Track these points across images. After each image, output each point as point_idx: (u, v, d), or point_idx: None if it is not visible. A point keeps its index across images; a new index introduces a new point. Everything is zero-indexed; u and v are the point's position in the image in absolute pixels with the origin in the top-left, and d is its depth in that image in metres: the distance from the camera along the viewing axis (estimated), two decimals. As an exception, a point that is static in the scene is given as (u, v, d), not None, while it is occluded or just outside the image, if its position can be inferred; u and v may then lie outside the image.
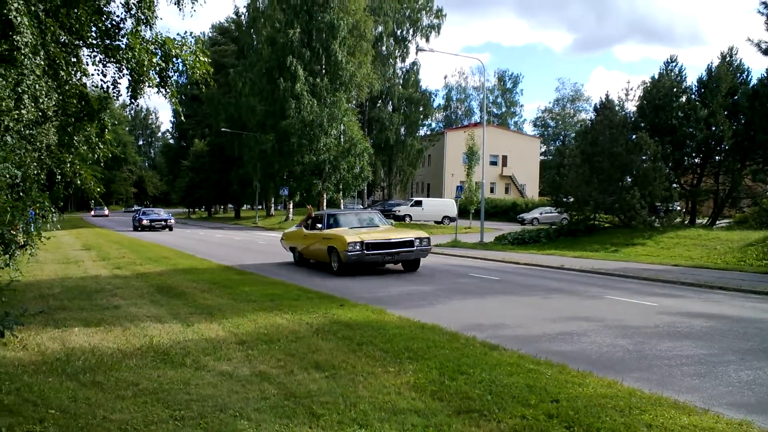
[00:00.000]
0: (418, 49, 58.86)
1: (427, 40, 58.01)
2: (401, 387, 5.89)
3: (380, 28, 55.05)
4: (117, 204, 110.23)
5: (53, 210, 10.08)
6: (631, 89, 48.55)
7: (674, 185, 28.86)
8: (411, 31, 58.10)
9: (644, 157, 26.89)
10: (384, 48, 56.84)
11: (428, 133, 70.99)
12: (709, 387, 6.31)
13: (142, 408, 5.30)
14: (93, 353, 7.15)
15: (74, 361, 6.77)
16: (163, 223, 43.12)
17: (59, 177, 10.09)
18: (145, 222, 42.68)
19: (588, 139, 28.60)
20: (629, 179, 27.29)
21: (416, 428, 4.83)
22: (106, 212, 75.96)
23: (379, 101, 59.04)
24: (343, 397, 5.56)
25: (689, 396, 5.83)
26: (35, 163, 9.43)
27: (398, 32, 57.90)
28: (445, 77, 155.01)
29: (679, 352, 7.87)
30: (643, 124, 29.31)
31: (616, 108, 29.67)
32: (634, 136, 27.98)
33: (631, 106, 30.68)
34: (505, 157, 70.20)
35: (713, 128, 28.25)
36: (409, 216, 44.52)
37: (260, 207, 65.85)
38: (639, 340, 8.53)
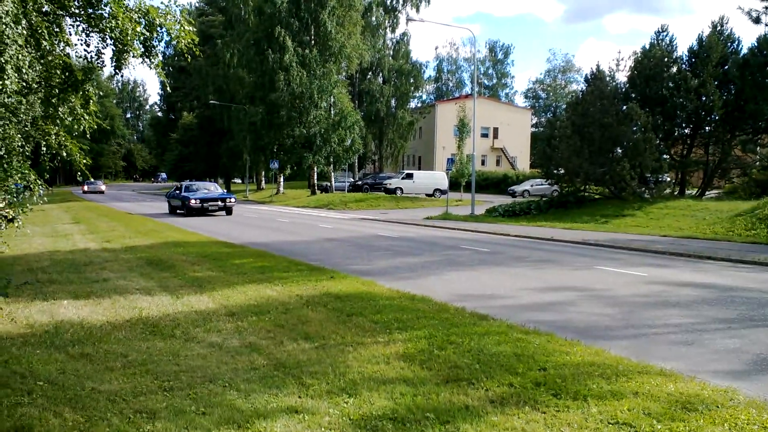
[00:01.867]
0: (408, 20, 58.10)
1: (417, 10, 57.29)
2: (390, 357, 5.91)
3: (370, -2, 54.38)
4: (107, 177, 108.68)
5: (39, 183, 9.97)
6: (622, 59, 48.54)
7: (664, 156, 28.96)
8: (401, 1, 57.37)
9: (635, 128, 26.90)
10: (374, 18, 56.09)
11: (419, 105, 70.57)
12: (695, 355, 6.37)
13: (131, 379, 5.30)
14: (82, 325, 7.13)
15: (63, 334, 6.75)
16: (219, 203, 29.70)
17: (44, 149, 9.96)
18: (194, 203, 29.02)
19: (579, 110, 28.54)
20: (619, 150, 27.34)
21: (405, 397, 4.85)
22: (102, 187, 63.99)
23: (369, 73, 58.49)
24: (333, 367, 5.58)
25: (676, 364, 5.88)
26: (19, 135, 9.29)
27: (388, 2, 57.12)
28: (435, 48, 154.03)
29: (667, 320, 7.94)
30: (633, 95, 29.25)
31: (607, 79, 29.57)
32: (624, 107, 27.95)
33: (622, 77, 30.64)
34: (496, 129, 70.00)
35: (703, 98, 28.23)
36: (400, 189, 44.44)
37: (251, 180, 65.52)
38: (627, 310, 8.59)
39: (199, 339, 6.61)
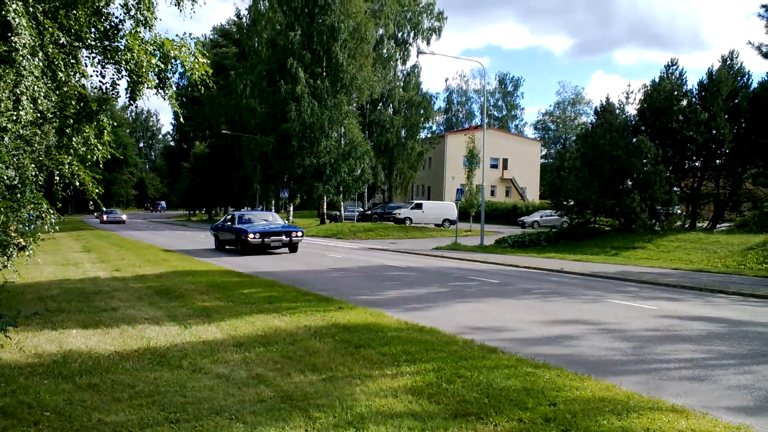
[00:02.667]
0: (419, 52, 58.68)
1: (428, 43, 58.02)
2: (398, 390, 5.87)
3: (381, 31, 55.02)
4: (119, 206, 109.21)
5: (51, 212, 10.06)
6: (632, 92, 48.35)
7: (675, 189, 28.85)
8: (412, 34, 58.04)
9: (645, 161, 26.89)
10: (385, 51, 56.79)
11: (429, 135, 70.95)
12: (707, 390, 6.28)
13: (138, 410, 5.28)
14: (90, 355, 7.13)
15: (71, 363, 6.75)
16: (284, 238, 23.89)
17: (57, 178, 10.07)
18: (253, 238, 23.12)
19: (588, 142, 28.59)
20: (630, 183, 27.29)
21: (413, 431, 4.80)
22: (123, 216, 59.55)
23: (380, 104, 58.97)
24: (340, 400, 5.54)
25: (687, 399, 5.80)
26: (33, 165, 9.41)
27: (399, 35, 57.84)
28: (446, 80, 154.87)
29: (678, 355, 7.85)
30: (643, 128, 29.28)
31: (617, 111, 29.65)
32: (634, 140, 27.98)
33: (632, 110, 30.66)
34: (505, 160, 70.19)
35: (714, 132, 28.23)
36: (410, 219, 44.48)
37: (260, 209, 65.80)
38: (638, 344, 8.50)
39: (206, 370, 6.59)
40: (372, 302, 11.74)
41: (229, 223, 25.72)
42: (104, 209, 66.63)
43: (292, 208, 53.93)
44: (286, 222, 27.69)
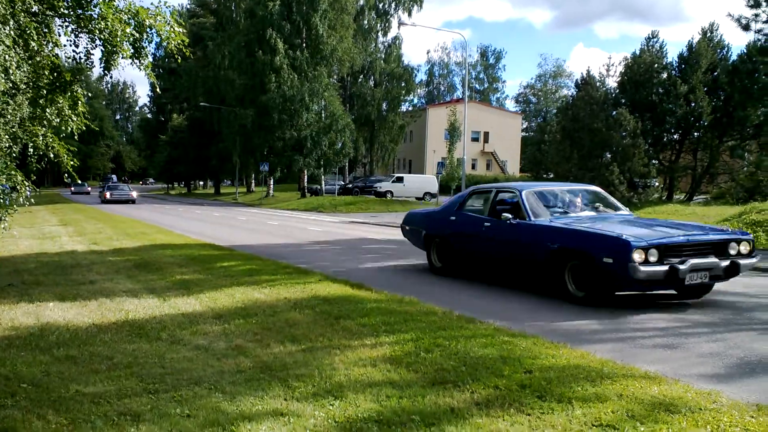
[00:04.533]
0: (400, 23, 58.28)
1: (409, 14, 57.53)
2: (377, 359, 5.91)
3: (362, 2, 54.42)
4: (95, 179, 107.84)
5: (27, 184, 9.91)
6: (612, 65, 48.82)
7: (653, 161, 29.19)
8: (393, 5, 57.46)
9: (624, 134, 27.10)
10: (365, 22, 56.22)
11: (410, 108, 70.70)
12: (679, 358, 6.41)
13: (116, 381, 5.27)
14: (67, 328, 7.09)
15: (48, 336, 6.70)
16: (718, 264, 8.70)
17: (32, 150, 9.91)
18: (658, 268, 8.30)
19: (569, 115, 28.74)
20: (609, 155, 27.53)
21: (391, 399, 4.85)
22: (133, 194, 51.35)
23: (361, 76, 58.58)
24: (319, 370, 5.57)
25: (660, 367, 5.92)
26: (7, 136, 9.24)
27: (380, 5, 57.23)
28: (427, 52, 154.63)
29: (652, 324, 7.99)
30: (623, 100, 29.48)
31: (597, 84, 29.77)
32: (614, 113, 28.16)
33: (612, 82, 30.85)
34: (486, 134, 70.28)
35: (693, 104, 28.51)
36: (391, 192, 44.53)
37: (240, 183, 65.38)
38: (613, 313, 8.63)
39: (185, 341, 6.59)
40: (351, 275, 11.76)
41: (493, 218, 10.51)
42: (109, 183, 65.41)
43: (272, 182, 53.67)
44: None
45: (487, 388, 5.10)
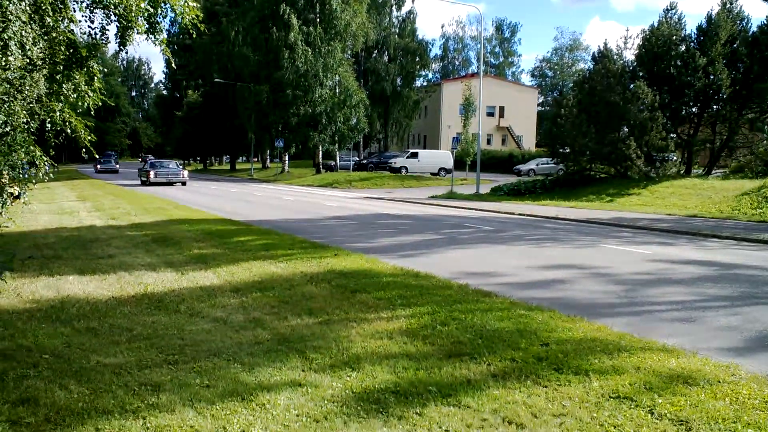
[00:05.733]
0: (414, -3, 57.55)
1: (424, -13, 56.77)
2: (393, 332, 5.94)
3: (375, -25, 53.80)
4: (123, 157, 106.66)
5: (45, 159, 9.99)
6: (630, 38, 48.02)
7: (671, 135, 28.73)
8: (407, -22, 56.80)
9: (641, 107, 26.70)
10: (380, -5, 55.62)
11: (425, 84, 70.05)
12: (697, 331, 6.38)
13: (137, 353, 5.35)
14: (87, 301, 7.19)
15: (68, 308, 6.80)
16: None
17: (49, 126, 9.96)
18: None
19: (585, 89, 28.35)
20: (626, 129, 27.16)
21: (408, 371, 4.88)
22: (185, 173, 39.05)
23: (375, 51, 58.07)
24: (336, 342, 5.62)
25: (678, 340, 5.90)
26: (25, 112, 9.29)
27: (394, -21, 56.60)
28: (442, 26, 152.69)
29: (669, 298, 7.95)
30: (641, 73, 29.00)
31: (615, 57, 29.31)
32: (631, 86, 27.74)
33: (630, 55, 30.40)
34: (502, 108, 69.56)
35: (712, 77, 27.97)
36: (405, 168, 44.33)
37: (255, 159, 65.41)
38: (630, 287, 8.60)
39: (203, 314, 6.66)
40: (367, 249, 11.80)
41: None
42: (149, 158, 61.71)
43: (287, 158, 53.66)
44: None
45: (504, 361, 5.12)
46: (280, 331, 5.99)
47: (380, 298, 7.33)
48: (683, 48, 29.04)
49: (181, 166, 42.32)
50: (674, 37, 28.84)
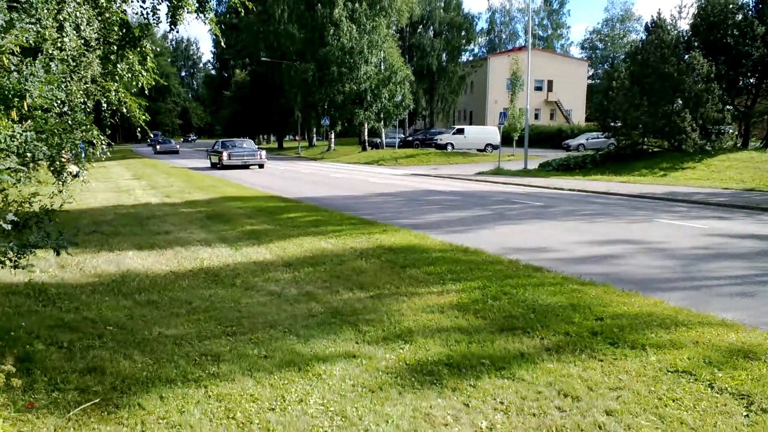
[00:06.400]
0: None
1: (470, -40, 55.84)
2: (444, 306, 5.97)
3: (421, -51, 53.12)
4: (166, 134, 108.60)
5: (102, 138, 10.26)
6: (685, 7, 46.31)
7: (727, 107, 27.73)
8: (452, -49, 55.94)
9: (696, 78, 25.81)
10: (425, -31, 54.98)
11: (471, 58, 69.26)
12: (757, 306, 6.23)
13: (196, 324, 5.51)
14: (147, 275, 7.42)
15: (129, 282, 7.04)
16: None
17: (105, 105, 10.22)
18: None
19: (638, 60, 27.54)
20: (680, 101, 26.32)
21: (460, 344, 4.91)
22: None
23: (420, 26, 57.56)
24: (388, 315, 5.68)
25: (736, 314, 5.77)
26: (81, 92, 9.55)
27: (439, -48, 55.83)
28: None
29: (727, 272, 7.76)
30: (696, 44, 27.98)
31: (668, 27, 28.31)
32: (686, 56, 26.82)
33: (684, 25, 29.26)
34: (550, 82, 68.20)
35: (771, 46, 26.81)
36: (451, 144, 44.00)
37: (302, 137, 65.93)
38: (687, 262, 8.42)
39: (258, 288, 6.80)
40: (415, 225, 11.82)
41: None
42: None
43: (333, 136, 53.89)
44: None
45: (558, 335, 5.10)
46: (332, 305, 6.08)
47: (430, 273, 7.36)
48: (740, 16, 27.87)
49: (257, 146, 37.28)
50: (731, 5, 27.69)
